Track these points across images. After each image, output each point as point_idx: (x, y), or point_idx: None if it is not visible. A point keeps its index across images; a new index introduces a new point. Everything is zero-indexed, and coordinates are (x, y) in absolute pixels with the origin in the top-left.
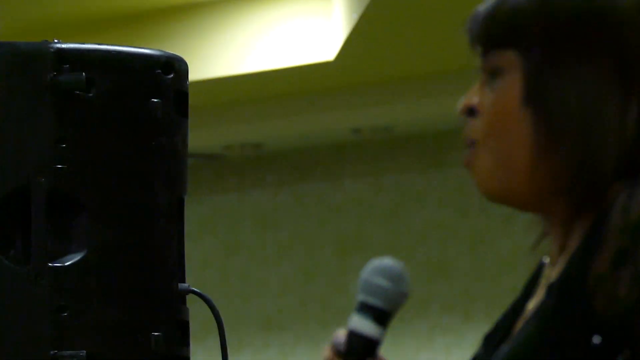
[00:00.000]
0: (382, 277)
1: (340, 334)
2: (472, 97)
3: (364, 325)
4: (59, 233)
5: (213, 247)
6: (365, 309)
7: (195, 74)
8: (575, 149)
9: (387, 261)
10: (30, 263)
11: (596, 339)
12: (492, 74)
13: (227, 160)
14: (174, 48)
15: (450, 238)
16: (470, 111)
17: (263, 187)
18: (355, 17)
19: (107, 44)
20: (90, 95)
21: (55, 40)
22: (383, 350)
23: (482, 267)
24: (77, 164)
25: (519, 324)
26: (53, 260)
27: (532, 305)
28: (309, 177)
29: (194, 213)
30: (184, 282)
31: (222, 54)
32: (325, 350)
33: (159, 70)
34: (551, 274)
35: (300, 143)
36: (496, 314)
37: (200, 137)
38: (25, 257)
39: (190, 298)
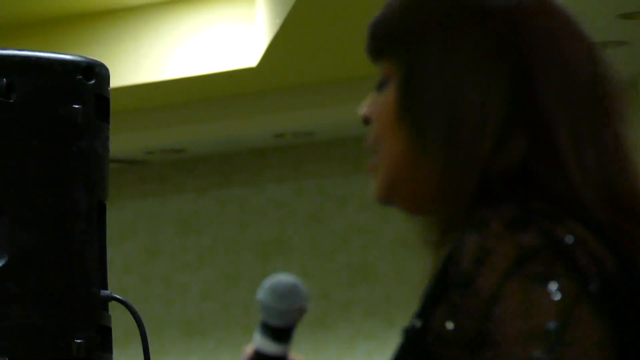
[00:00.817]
0: (276, 297)
1: (248, 352)
2: (365, 106)
3: (266, 344)
4: None
5: (134, 251)
6: (266, 329)
7: (118, 79)
8: (438, 155)
9: (281, 280)
10: None
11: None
12: (382, 83)
13: (148, 165)
14: (95, 54)
15: (371, 242)
16: (366, 120)
17: (185, 192)
18: (277, 23)
19: (28, 50)
20: (11, 100)
21: None
22: (307, 354)
23: (404, 272)
24: None
25: None
26: None
27: None
28: (231, 182)
29: (115, 218)
30: (106, 288)
31: (145, 59)
32: None
33: (80, 76)
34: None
35: (222, 148)
36: None
37: (122, 142)
38: None
39: (112, 304)
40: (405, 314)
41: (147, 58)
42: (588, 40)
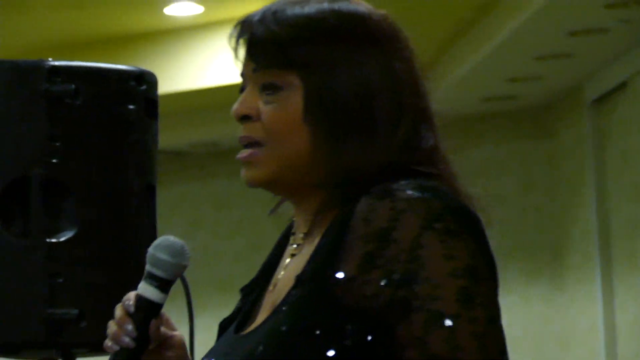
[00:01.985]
0: (164, 252)
1: (130, 296)
2: (245, 106)
3: (149, 291)
4: (52, 213)
5: (179, 225)
6: (150, 278)
7: (167, 87)
8: (341, 152)
9: (170, 238)
10: (29, 237)
11: (349, 327)
12: (268, 88)
13: (190, 156)
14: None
15: None
16: (245, 117)
17: (219, 177)
18: None
19: (92, 62)
20: (77, 102)
21: (49, 59)
22: None
23: None
24: (66, 157)
25: (268, 299)
26: (48, 235)
27: (280, 277)
28: None
29: (164, 198)
30: None
31: (187, 70)
32: (117, 310)
33: (133, 82)
34: (298, 261)
35: None
36: None
37: (170, 137)
38: (25, 233)
39: None
40: None
41: (189, 69)
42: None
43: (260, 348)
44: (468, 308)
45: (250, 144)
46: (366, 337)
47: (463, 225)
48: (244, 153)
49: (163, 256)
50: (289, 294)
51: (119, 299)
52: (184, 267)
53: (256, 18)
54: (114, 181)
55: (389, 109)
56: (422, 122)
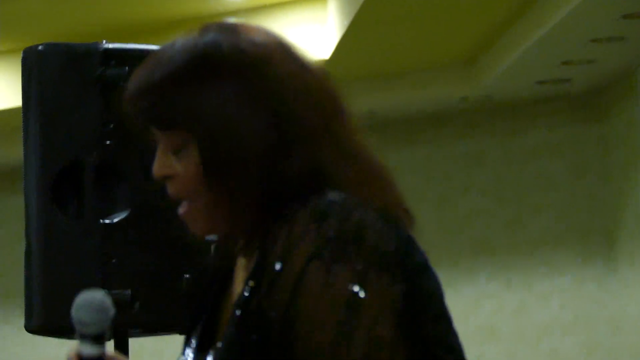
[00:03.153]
0: (86, 312)
1: (71, 356)
2: (162, 167)
3: (86, 348)
4: (106, 196)
5: None
6: (83, 337)
7: None
8: (247, 205)
9: (89, 295)
10: (83, 220)
11: (254, 337)
12: (175, 147)
13: None
14: None
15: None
16: (166, 177)
17: None
18: (346, 24)
19: (146, 45)
20: None
21: (104, 42)
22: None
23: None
24: (120, 141)
25: (225, 313)
26: (102, 218)
27: (233, 290)
28: None
29: None
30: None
31: None
32: None
33: None
34: (240, 282)
35: None
36: None
37: None
38: (79, 216)
39: None
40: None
41: None
42: (317, 71)
43: None
44: (347, 339)
45: (180, 198)
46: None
47: (351, 249)
48: (181, 210)
49: (86, 316)
50: (226, 331)
51: (169, 282)
52: (109, 319)
53: (129, 94)
54: None
55: (260, 139)
56: (311, 135)
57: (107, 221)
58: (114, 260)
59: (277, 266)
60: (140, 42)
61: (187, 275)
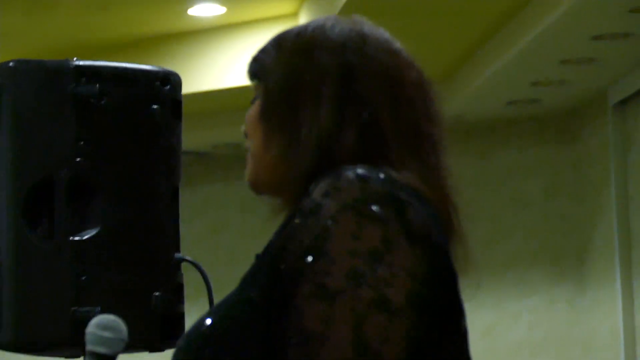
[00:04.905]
0: (103, 330)
1: None
2: (246, 118)
3: None
4: (78, 214)
5: (203, 228)
6: (91, 356)
7: (191, 87)
8: (283, 149)
9: (105, 316)
10: (54, 238)
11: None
12: (254, 99)
13: (214, 157)
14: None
15: None
16: (245, 134)
17: (243, 179)
18: None
19: (117, 62)
20: (103, 102)
21: (75, 59)
22: None
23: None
24: (93, 158)
25: None
26: (73, 236)
27: None
28: None
29: (187, 200)
30: (179, 252)
31: (210, 71)
32: None
33: (158, 83)
34: None
35: None
36: None
37: (193, 138)
38: (50, 234)
39: (185, 266)
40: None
41: (212, 69)
42: (416, 68)
43: (207, 321)
44: (355, 286)
45: (247, 145)
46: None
47: (389, 214)
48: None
49: (103, 334)
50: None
51: (142, 299)
52: (123, 341)
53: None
54: (139, 182)
55: (316, 108)
56: (375, 119)
57: (77, 238)
58: (83, 278)
59: (311, 204)
60: (111, 59)
61: (158, 293)
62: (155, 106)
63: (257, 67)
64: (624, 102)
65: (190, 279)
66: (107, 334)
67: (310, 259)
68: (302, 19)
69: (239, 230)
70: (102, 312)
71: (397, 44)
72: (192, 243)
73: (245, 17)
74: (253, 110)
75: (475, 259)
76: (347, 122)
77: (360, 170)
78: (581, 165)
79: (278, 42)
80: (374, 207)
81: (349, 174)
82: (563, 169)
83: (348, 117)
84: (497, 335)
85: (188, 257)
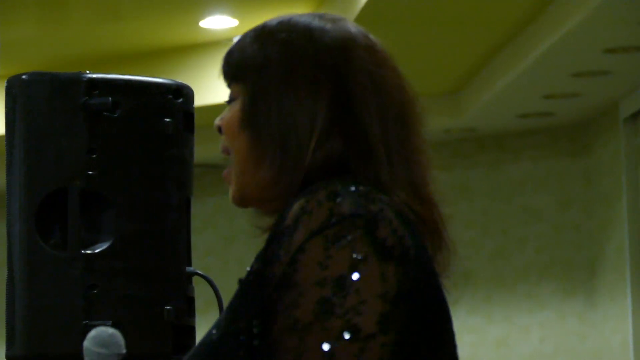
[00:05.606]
0: (99, 345)
1: None
2: (219, 118)
3: None
4: (91, 225)
5: (215, 239)
6: None
7: (203, 99)
8: (274, 159)
9: (102, 329)
10: (67, 249)
11: (254, 322)
12: (230, 100)
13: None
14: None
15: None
16: (219, 129)
17: None
18: None
19: (129, 74)
20: (116, 115)
21: (87, 72)
22: None
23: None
24: (105, 170)
25: None
26: (85, 247)
27: None
28: None
29: (198, 211)
30: (190, 266)
31: (222, 83)
32: None
33: (171, 96)
34: None
35: None
36: None
37: (205, 150)
38: (63, 245)
39: (196, 279)
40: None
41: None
42: (398, 72)
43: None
44: (324, 318)
45: (225, 152)
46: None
47: (356, 235)
48: (224, 172)
49: (100, 350)
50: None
51: (154, 311)
52: (118, 355)
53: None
54: (152, 194)
55: (310, 130)
56: (361, 130)
57: (89, 251)
58: (95, 290)
59: (283, 231)
60: (123, 71)
61: (169, 307)
62: (167, 119)
63: (237, 67)
64: (635, 115)
65: (200, 292)
66: (102, 350)
67: (281, 291)
68: None
69: (249, 242)
70: (113, 325)
71: (385, 52)
72: (203, 254)
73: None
74: (232, 113)
75: (486, 271)
76: (339, 136)
77: (332, 188)
78: (593, 178)
79: (261, 42)
80: (342, 231)
81: (320, 195)
82: (575, 181)
83: (340, 131)
84: (508, 348)
85: (199, 271)
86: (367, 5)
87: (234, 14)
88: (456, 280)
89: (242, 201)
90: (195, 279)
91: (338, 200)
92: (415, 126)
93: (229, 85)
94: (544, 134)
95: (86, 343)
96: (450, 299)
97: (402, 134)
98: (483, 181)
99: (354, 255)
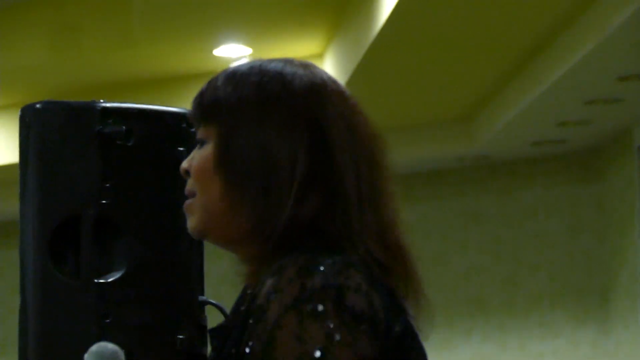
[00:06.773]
0: (100, 358)
1: None
2: (186, 161)
3: None
4: (104, 253)
5: (228, 267)
6: None
7: None
8: (254, 204)
9: (103, 345)
10: (80, 277)
11: None
12: (201, 143)
13: None
14: None
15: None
16: (186, 172)
17: None
18: (343, 81)
19: (144, 103)
20: (129, 143)
21: (101, 100)
22: None
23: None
24: (118, 198)
25: None
26: (98, 276)
27: None
28: None
29: None
30: (203, 294)
31: None
32: None
33: (185, 124)
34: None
35: None
36: None
37: None
38: (76, 273)
39: (209, 308)
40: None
41: None
42: (367, 117)
43: None
44: None
45: (191, 195)
46: None
47: (328, 307)
48: (186, 203)
49: None
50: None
51: (167, 340)
52: None
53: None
54: (164, 222)
55: (287, 174)
56: (336, 182)
57: (102, 280)
58: (108, 319)
59: (259, 306)
60: (137, 98)
61: (182, 336)
62: (181, 148)
63: (210, 108)
64: None
65: (213, 320)
66: None
67: None
68: (328, 60)
69: None
70: (126, 354)
71: (354, 98)
72: (217, 281)
73: (270, 57)
74: (203, 156)
75: (499, 298)
76: (317, 182)
77: (302, 263)
78: (605, 204)
79: (234, 84)
80: (313, 304)
81: (290, 272)
82: (587, 208)
83: (318, 177)
84: None
85: (212, 300)
86: (380, 34)
87: (247, 43)
88: (469, 308)
89: (202, 235)
90: (208, 307)
91: (308, 274)
92: (383, 170)
93: (199, 128)
94: (556, 161)
95: (87, 357)
96: (423, 339)
97: (372, 178)
98: (495, 207)
99: (328, 328)
